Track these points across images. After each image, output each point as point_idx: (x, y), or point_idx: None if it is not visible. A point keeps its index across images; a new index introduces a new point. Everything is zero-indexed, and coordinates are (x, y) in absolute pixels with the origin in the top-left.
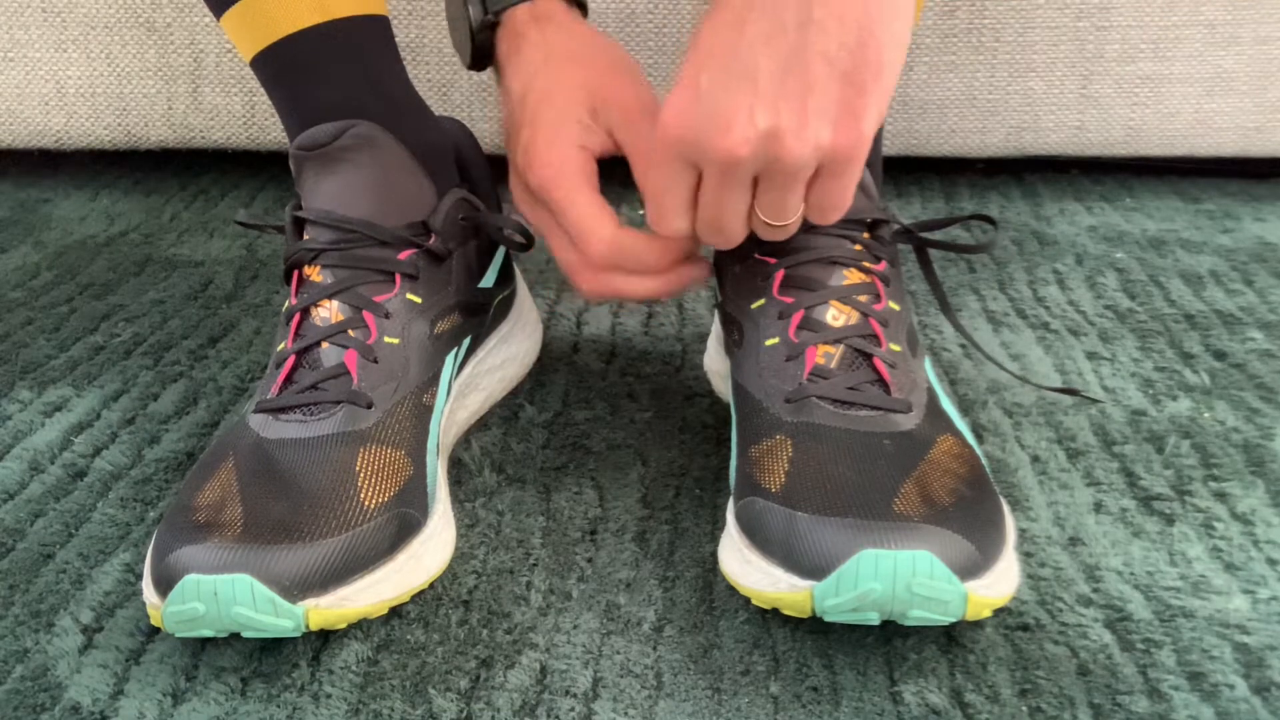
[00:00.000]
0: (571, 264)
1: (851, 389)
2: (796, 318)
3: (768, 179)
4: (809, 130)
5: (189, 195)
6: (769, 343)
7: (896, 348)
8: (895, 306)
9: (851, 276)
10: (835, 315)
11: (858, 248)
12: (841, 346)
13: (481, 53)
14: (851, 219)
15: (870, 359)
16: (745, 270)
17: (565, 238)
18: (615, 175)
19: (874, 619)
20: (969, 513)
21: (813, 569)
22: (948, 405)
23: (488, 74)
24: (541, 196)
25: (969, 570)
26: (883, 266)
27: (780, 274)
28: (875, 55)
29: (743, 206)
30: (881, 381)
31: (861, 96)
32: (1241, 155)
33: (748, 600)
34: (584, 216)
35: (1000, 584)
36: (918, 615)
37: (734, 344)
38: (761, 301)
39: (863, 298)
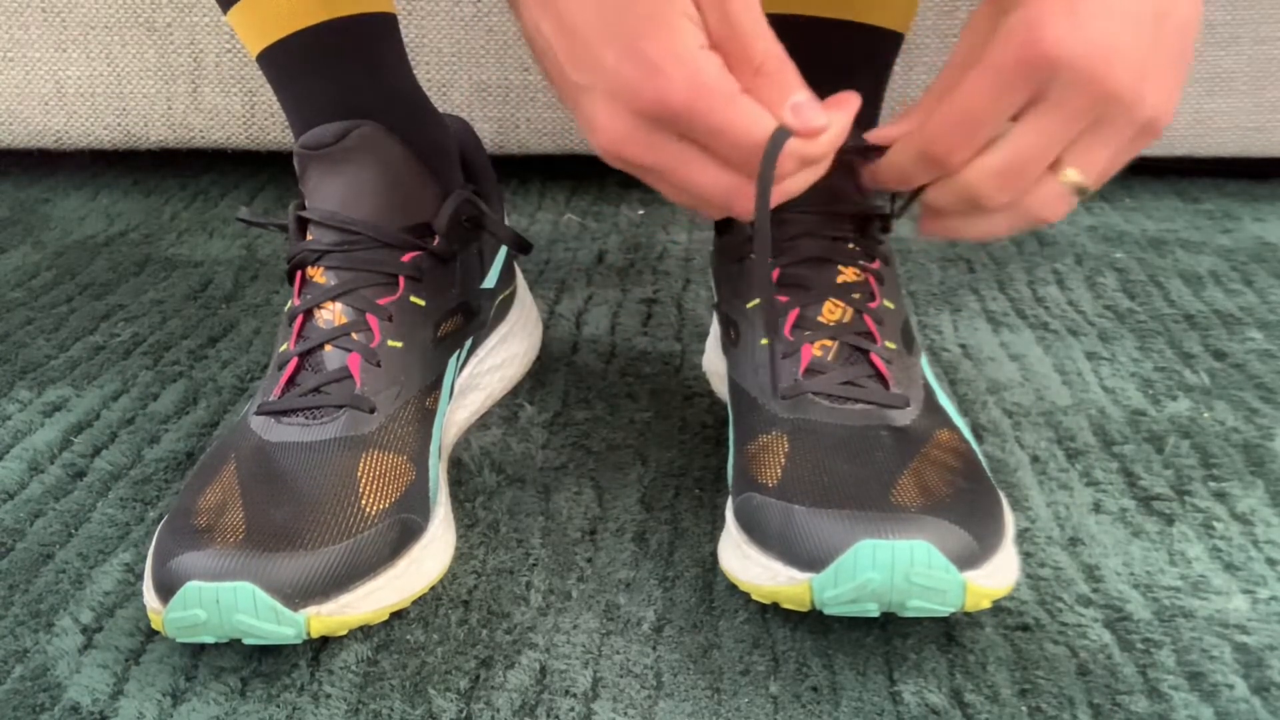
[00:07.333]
0: (729, 186)
1: (848, 383)
2: (792, 316)
3: (1103, 125)
4: (1167, 87)
5: (189, 195)
6: (764, 341)
7: (891, 345)
8: (890, 305)
9: (846, 274)
10: (830, 312)
11: (852, 246)
12: (837, 343)
13: None
14: (845, 216)
15: (867, 355)
16: (741, 270)
17: (708, 160)
18: (613, 173)
19: (873, 610)
20: (966, 504)
21: (811, 561)
22: (946, 403)
23: (487, 73)
24: (684, 117)
25: (967, 560)
26: (877, 265)
27: (775, 273)
28: (1191, 37)
29: (1055, 154)
30: (879, 375)
31: (1182, 74)
32: (1241, 155)
33: (747, 600)
34: (751, 115)
35: (999, 574)
36: (916, 605)
37: (730, 343)
38: (757, 301)
39: (857, 295)
